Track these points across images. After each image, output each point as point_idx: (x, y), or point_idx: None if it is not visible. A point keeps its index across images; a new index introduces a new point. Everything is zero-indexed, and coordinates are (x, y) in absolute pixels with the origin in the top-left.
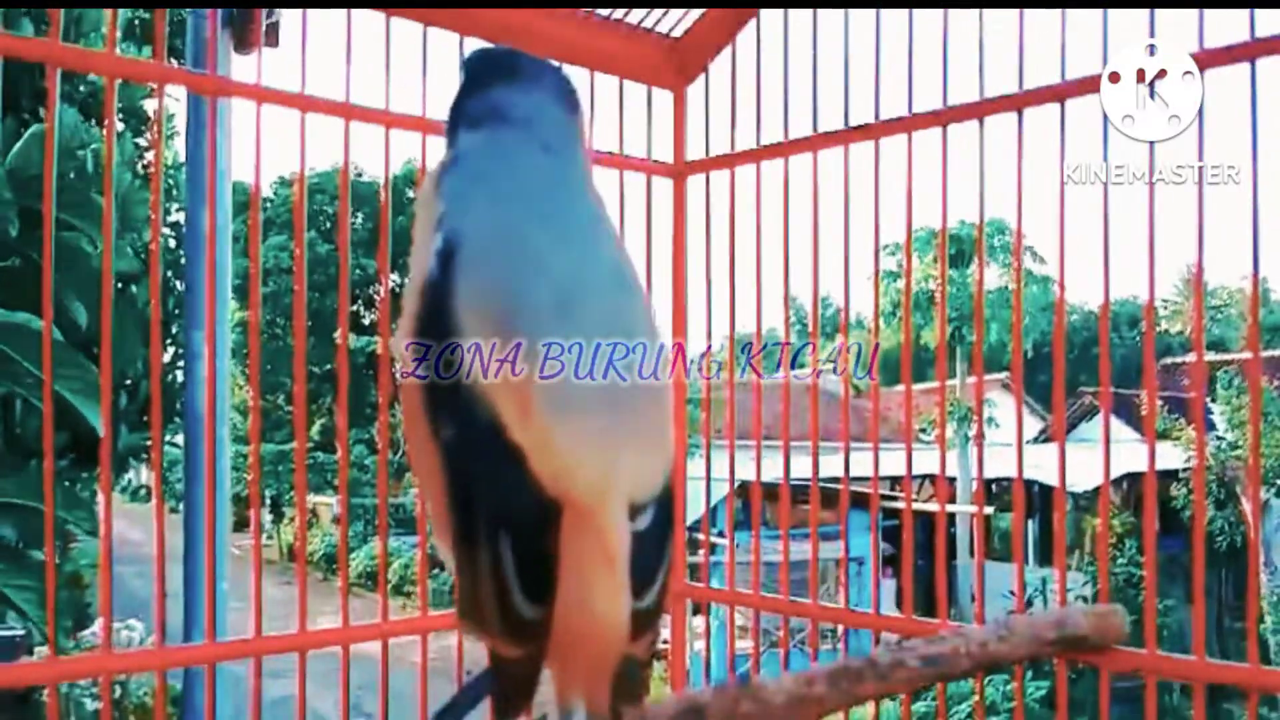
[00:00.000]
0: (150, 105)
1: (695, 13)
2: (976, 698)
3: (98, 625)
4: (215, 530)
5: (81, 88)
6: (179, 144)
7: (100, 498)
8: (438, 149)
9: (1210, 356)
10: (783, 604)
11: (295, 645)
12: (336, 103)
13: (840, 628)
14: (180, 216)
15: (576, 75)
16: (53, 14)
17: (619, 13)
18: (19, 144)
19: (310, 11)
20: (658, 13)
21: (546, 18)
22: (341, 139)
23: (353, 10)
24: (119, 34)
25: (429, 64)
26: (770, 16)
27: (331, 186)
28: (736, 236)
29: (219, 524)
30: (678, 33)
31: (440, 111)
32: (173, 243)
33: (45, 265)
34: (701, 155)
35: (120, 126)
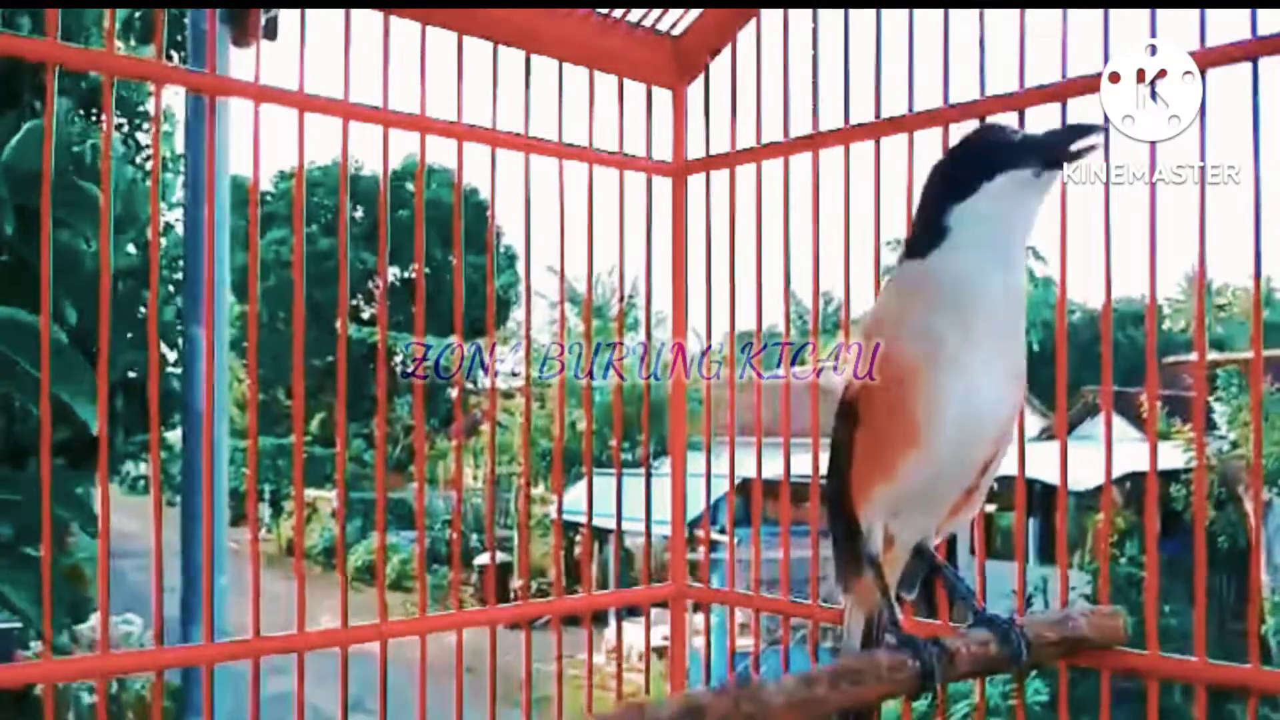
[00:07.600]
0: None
1: (695, 12)
2: (977, 699)
3: (95, 620)
4: (214, 525)
5: (82, 84)
6: (176, 138)
7: (98, 494)
8: (436, 148)
9: (1212, 355)
10: (783, 604)
11: (293, 646)
12: (335, 102)
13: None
14: (173, 215)
15: (577, 74)
16: (51, 13)
17: (619, 12)
18: (15, 139)
19: (309, 10)
20: (657, 12)
21: (547, 17)
22: (340, 133)
23: (352, 9)
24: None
25: (428, 63)
26: (770, 16)
27: (331, 180)
28: (737, 236)
29: (217, 518)
30: (677, 32)
31: (439, 110)
32: (162, 241)
33: (44, 264)
34: (701, 154)
35: (119, 119)
